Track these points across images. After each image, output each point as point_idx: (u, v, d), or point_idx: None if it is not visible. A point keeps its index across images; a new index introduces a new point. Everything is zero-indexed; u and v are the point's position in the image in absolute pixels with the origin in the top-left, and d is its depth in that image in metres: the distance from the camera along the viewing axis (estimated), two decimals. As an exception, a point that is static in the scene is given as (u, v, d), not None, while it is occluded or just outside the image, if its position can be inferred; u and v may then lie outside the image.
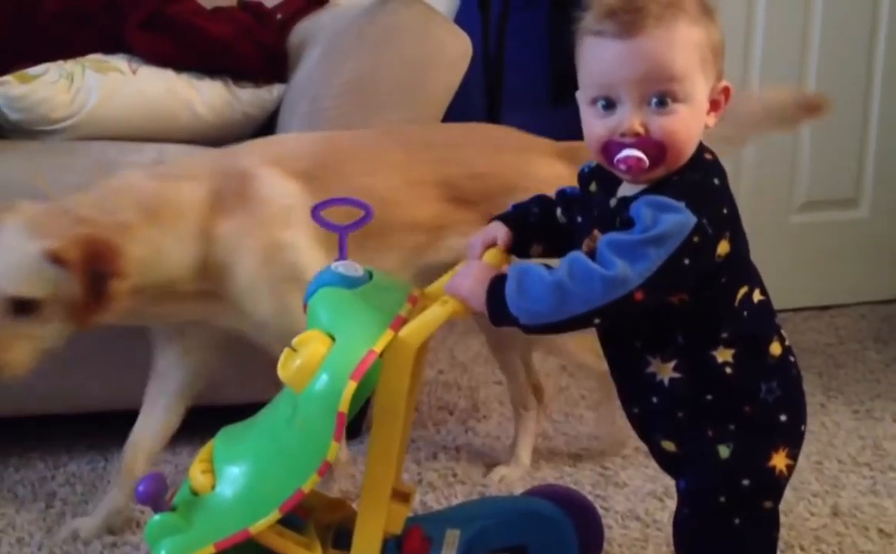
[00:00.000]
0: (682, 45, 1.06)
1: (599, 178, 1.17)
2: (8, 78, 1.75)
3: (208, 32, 1.85)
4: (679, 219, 1.02)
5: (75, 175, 1.63)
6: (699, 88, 1.07)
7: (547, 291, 1.05)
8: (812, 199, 2.61)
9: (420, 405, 2.00)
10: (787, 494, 1.63)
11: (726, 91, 1.11)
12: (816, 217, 2.62)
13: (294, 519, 1.24)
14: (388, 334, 1.13)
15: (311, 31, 1.92)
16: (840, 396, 2.07)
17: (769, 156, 2.54)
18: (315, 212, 1.28)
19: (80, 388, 1.73)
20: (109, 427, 1.81)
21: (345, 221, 1.26)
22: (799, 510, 1.60)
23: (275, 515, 1.15)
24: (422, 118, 1.74)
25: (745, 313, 1.13)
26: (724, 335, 1.11)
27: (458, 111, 1.83)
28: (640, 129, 1.06)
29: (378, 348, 1.11)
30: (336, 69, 1.72)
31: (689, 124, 1.07)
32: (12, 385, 1.69)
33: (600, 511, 1.58)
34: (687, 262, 1.02)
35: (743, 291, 1.13)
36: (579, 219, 1.19)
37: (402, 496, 1.28)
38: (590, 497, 1.63)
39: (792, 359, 1.17)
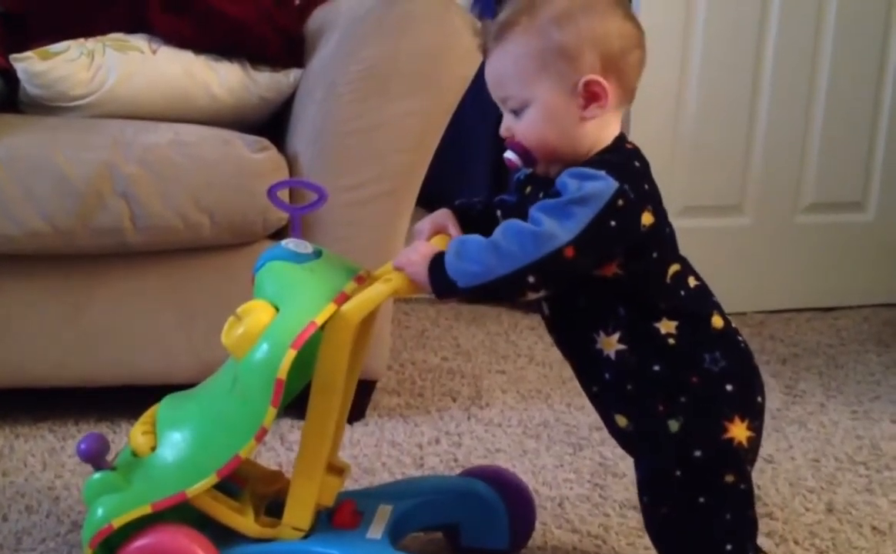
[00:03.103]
0: (512, 58, 1.17)
1: (534, 182, 1.23)
2: (29, 54, 1.77)
3: (229, 15, 1.87)
4: (602, 184, 1.10)
5: (93, 152, 1.66)
6: (542, 91, 1.15)
7: (482, 252, 1.12)
8: (818, 201, 2.62)
9: (424, 391, 2.03)
10: (784, 489, 1.67)
11: (589, 84, 1.15)
12: (822, 219, 2.64)
13: (230, 487, 1.28)
14: (331, 308, 1.17)
15: (329, 16, 1.94)
16: (839, 396, 2.10)
17: (776, 156, 2.56)
18: (271, 192, 1.34)
19: (89, 361, 1.76)
20: (118, 401, 1.84)
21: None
22: (794, 505, 1.63)
23: (212, 478, 1.19)
24: (437, 107, 1.76)
25: (682, 293, 1.18)
26: (663, 307, 1.17)
27: (472, 103, 1.85)
28: (507, 134, 1.19)
29: (319, 320, 1.15)
30: (353, 56, 1.74)
31: (541, 126, 1.16)
32: (23, 357, 1.73)
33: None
34: (613, 223, 1.09)
35: (674, 268, 1.18)
36: None
37: (336, 470, 1.32)
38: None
39: (738, 337, 1.21)
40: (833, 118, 2.57)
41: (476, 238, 1.14)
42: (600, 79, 1.14)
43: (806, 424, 1.95)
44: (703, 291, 1.21)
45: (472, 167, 2.44)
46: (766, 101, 2.52)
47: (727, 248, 2.50)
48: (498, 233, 1.12)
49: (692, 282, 1.20)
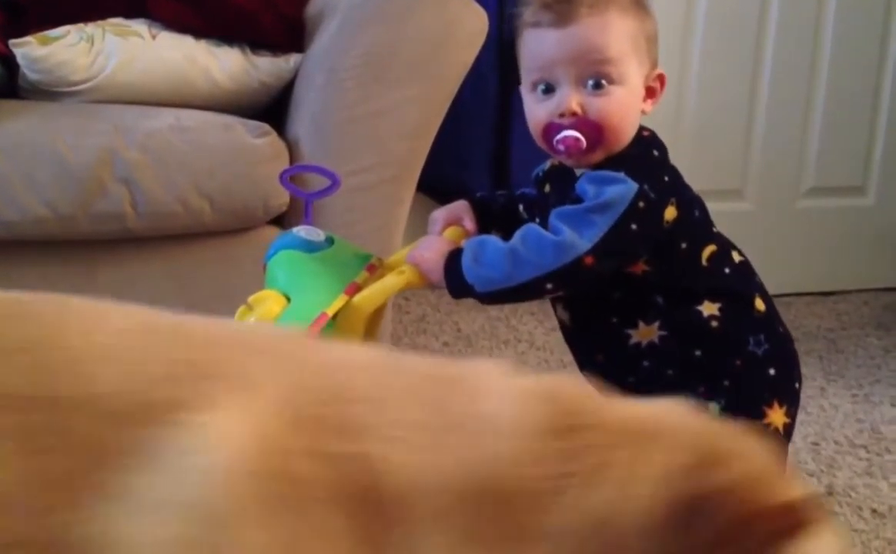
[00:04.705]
0: (615, 30, 1.11)
1: (552, 179, 1.21)
2: (29, 39, 1.77)
3: (229, 1, 1.87)
4: (621, 188, 1.08)
5: (94, 138, 1.66)
6: (633, 72, 1.13)
7: (501, 258, 1.10)
8: (819, 186, 2.62)
9: (425, 376, 2.03)
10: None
11: (661, 78, 1.16)
12: (823, 203, 2.64)
13: None
14: (342, 299, 1.17)
15: (330, 1, 1.93)
16: (840, 379, 2.10)
17: (777, 141, 2.55)
18: (283, 177, 1.35)
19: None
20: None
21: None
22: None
23: None
24: (438, 94, 1.76)
25: (727, 270, 1.17)
26: (703, 290, 1.15)
27: (471, 91, 1.85)
28: (578, 109, 1.11)
29: (331, 311, 1.15)
30: (353, 41, 1.73)
31: (624, 106, 1.12)
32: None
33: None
34: (634, 227, 1.08)
35: (710, 249, 1.17)
36: (537, 220, 1.22)
37: None
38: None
39: (779, 319, 1.20)
40: (834, 103, 2.57)
41: (494, 242, 1.12)
42: (665, 74, 1.15)
43: (806, 407, 1.95)
44: (747, 267, 1.20)
45: (473, 153, 2.44)
46: (766, 85, 2.52)
47: (728, 233, 2.49)
48: (517, 239, 1.11)
49: (736, 257, 1.19)
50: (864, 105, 2.60)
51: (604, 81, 1.11)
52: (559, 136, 1.12)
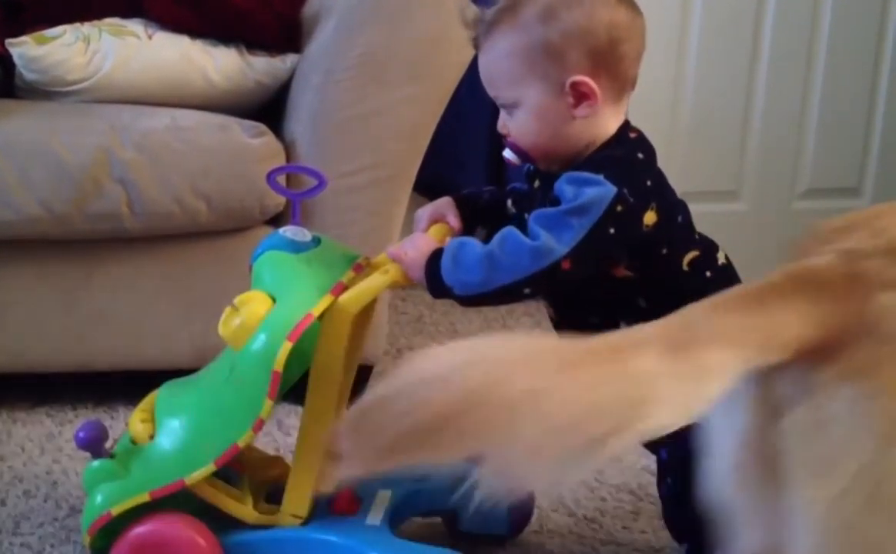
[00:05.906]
0: (502, 56, 1.14)
1: (542, 175, 1.22)
2: (26, 39, 1.77)
3: (227, 1, 1.87)
4: (599, 190, 1.08)
5: (90, 138, 1.66)
6: (530, 92, 1.13)
7: (478, 262, 1.11)
8: (815, 187, 2.62)
9: (421, 376, 2.03)
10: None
11: (576, 84, 1.12)
12: (819, 204, 2.64)
13: (230, 473, 1.29)
14: (328, 299, 1.17)
15: (327, 1, 1.93)
16: (835, 381, 2.10)
17: (773, 142, 2.55)
18: (270, 177, 1.35)
19: (87, 346, 1.76)
20: (115, 386, 1.84)
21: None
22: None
23: (210, 467, 1.20)
24: (434, 94, 1.76)
25: (708, 274, 1.17)
26: (687, 292, 1.15)
27: (468, 91, 1.85)
28: (504, 130, 1.17)
29: (316, 312, 1.15)
30: (350, 41, 1.74)
31: (530, 125, 1.14)
32: (21, 342, 1.74)
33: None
34: (612, 231, 1.08)
35: (691, 255, 1.17)
36: (526, 215, 1.23)
37: (336, 458, 1.32)
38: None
39: None
40: (829, 103, 2.57)
41: (473, 245, 1.13)
42: (586, 78, 1.11)
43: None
44: (730, 269, 1.20)
45: (470, 153, 2.44)
46: (762, 87, 2.52)
47: (724, 234, 2.46)
48: (496, 243, 1.11)
49: (720, 259, 1.19)
50: (860, 105, 2.60)
51: (508, 105, 1.16)
52: (503, 153, 1.19)
